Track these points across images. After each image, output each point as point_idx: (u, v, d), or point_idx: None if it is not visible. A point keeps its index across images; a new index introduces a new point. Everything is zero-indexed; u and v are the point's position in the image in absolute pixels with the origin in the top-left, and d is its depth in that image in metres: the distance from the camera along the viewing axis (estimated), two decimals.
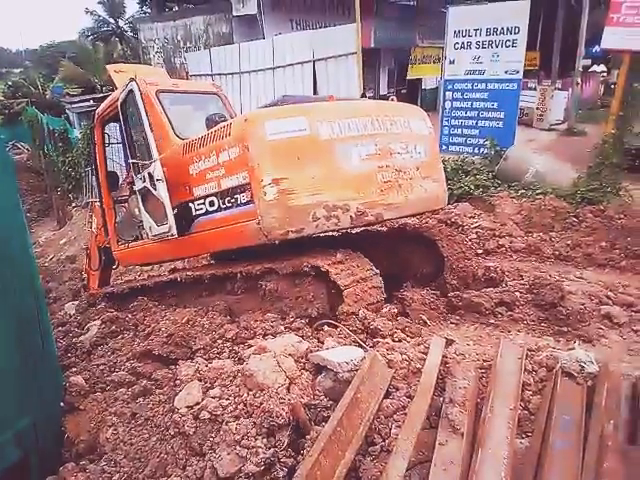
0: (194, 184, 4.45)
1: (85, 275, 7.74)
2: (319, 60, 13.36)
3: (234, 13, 17.49)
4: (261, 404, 2.68)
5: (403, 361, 3.00)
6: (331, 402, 2.81)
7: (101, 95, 18.10)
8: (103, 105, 5.89)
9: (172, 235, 4.70)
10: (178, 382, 3.23)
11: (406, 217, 5.10)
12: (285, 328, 3.74)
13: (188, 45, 20.01)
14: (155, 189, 4.71)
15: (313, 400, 2.86)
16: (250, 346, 3.42)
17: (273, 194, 3.76)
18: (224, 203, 4.19)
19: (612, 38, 7.85)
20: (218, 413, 2.74)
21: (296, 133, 3.90)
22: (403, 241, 5.16)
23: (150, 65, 18.72)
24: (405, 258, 5.13)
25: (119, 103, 5.19)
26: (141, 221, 5.37)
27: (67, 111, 21.49)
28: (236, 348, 3.61)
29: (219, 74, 15.79)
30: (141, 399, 3.32)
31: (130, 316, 4.64)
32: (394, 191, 4.30)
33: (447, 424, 2.32)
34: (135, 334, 4.31)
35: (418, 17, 20.86)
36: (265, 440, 2.57)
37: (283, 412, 2.62)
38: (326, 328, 3.73)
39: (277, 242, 3.92)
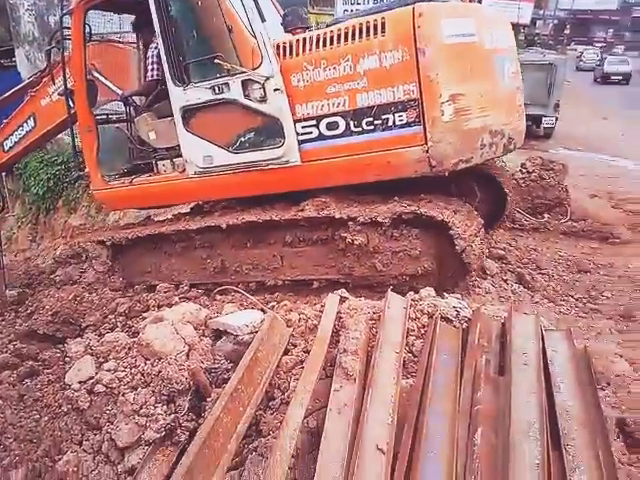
0: (298, 100, 3.51)
1: None
2: None
3: None
4: (159, 372, 2.66)
5: (301, 320, 3.12)
6: (232, 364, 2.87)
7: None
8: None
9: (292, 162, 3.63)
10: (68, 360, 3.10)
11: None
12: (180, 298, 3.69)
13: (65, 3, 18.17)
14: (265, 101, 3.55)
15: (214, 364, 2.90)
16: (145, 318, 3.35)
17: (450, 114, 3.15)
18: (359, 125, 3.37)
19: None
20: (114, 385, 2.69)
21: (467, 38, 3.27)
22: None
23: (20, 24, 16.82)
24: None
25: None
26: (155, 149, 4.27)
27: None
28: (130, 322, 3.52)
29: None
30: (28, 380, 3.16)
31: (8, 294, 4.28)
32: (522, 118, 3.83)
33: (341, 372, 2.48)
34: (16, 314, 4.02)
35: None
36: (165, 407, 2.58)
37: (182, 378, 2.63)
38: (218, 297, 3.72)
39: (446, 173, 3.33)
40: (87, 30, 4.35)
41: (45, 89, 4.74)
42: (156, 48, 4.07)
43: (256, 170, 3.75)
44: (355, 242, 3.53)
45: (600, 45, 39.46)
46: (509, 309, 2.84)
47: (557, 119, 10.84)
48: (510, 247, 4.69)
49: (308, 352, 2.81)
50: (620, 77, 24.49)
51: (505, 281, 4.12)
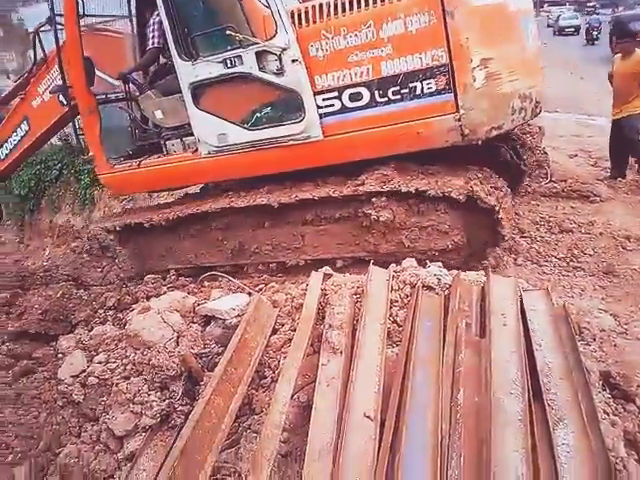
0: (317, 71, 3.33)
1: None
2: None
3: None
4: (150, 360, 2.71)
5: (287, 300, 3.16)
6: (222, 348, 2.90)
7: None
8: None
9: (314, 137, 3.45)
10: (60, 356, 3.15)
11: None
12: (168, 288, 3.71)
13: None
14: (282, 74, 3.36)
15: (204, 349, 2.95)
16: (134, 310, 3.39)
17: (482, 79, 3.03)
18: (384, 95, 3.21)
19: None
20: (106, 377, 2.74)
21: (493, 0, 3.17)
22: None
23: None
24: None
25: None
26: (161, 129, 4.06)
27: None
28: (120, 315, 3.56)
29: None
30: (24, 379, 3.21)
31: None
32: (544, 80, 3.73)
33: (328, 347, 2.53)
34: (7, 316, 4.04)
35: None
36: (159, 394, 2.64)
37: (173, 364, 2.69)
38: (206, 284, 3.74)
39: (479, 142, 3.19)
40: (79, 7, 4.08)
41: (34, 89, 4.60)
42: (158, 15, 3.86)
43: (275, 147, 3.58)
44: (380, 219, 3.43)
45: (588, 6, 41.82)
46: (487, 273, 2.90)
47: None
48: None
49: (295, 330, 2.86)
50: (573, 29, 30.52)
51: None
